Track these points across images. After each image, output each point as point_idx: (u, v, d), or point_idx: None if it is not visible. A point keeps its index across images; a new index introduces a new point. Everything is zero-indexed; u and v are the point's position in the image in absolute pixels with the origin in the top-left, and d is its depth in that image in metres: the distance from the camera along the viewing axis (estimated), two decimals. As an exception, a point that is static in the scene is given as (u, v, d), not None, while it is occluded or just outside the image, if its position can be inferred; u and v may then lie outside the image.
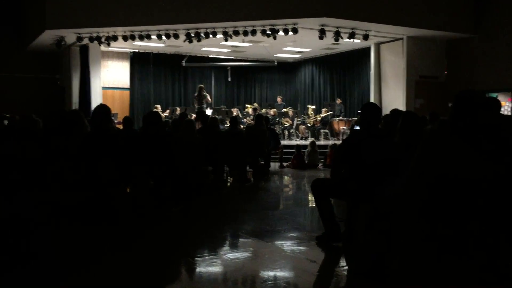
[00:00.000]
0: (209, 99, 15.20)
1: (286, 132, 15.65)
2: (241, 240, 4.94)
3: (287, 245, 4.56)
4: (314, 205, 7.05)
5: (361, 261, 3.95)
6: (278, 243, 4.66)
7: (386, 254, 3.22)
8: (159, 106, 15.79)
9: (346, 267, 4.06)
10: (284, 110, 16.41)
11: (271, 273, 3.82)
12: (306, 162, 11.48)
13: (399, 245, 2.84)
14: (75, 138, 4.38)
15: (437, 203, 2.59)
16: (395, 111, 6.83)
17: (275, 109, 16.20)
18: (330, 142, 13.34)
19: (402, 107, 13.25)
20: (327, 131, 15.84)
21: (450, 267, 2.60)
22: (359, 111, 15.66)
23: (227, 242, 4.92)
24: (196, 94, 15.02)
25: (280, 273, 3.83)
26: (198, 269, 3.94)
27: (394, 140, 4.28)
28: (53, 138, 4.34)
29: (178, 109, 15.62)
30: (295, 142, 14.23)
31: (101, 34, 13.31)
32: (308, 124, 16.09)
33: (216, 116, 10.53)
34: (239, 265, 4.02)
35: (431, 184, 2.58)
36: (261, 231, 5.14)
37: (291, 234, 5.00)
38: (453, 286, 2.69)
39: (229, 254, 4.28)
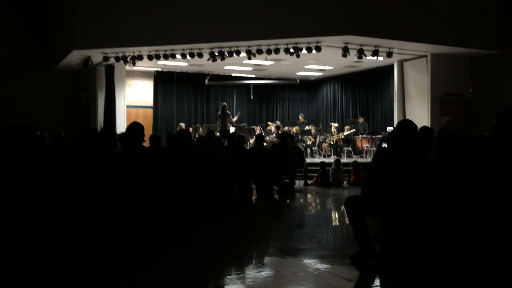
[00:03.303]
0: (232, 118, 15.26)
1: (309, 150, 15.60)
2: (272, 258, 4.91)
3: (321, 264, 4.50)
4: (341, 223, 7.04)
5: (402, 279, 3.87)
6: (312, 261, 4.61)
7: (430, 271, 3.16)
8: (183, 124, 15.92)
9: (383, 286, 4.00)
10: (307, 128, 16.39)
11: (308, 292, 3.77)
12: (330, 179, 11.40)
13: (446, 262, 2.78)
14: (111, 155, 4.45)
15: (486, 217, 2.54)
16: (424, 128, 6.77)
17: (297, 127, 16.19)
18: (353, 160, 13.24)
19: (427, 125, 13.09)
20: (350, 149, 15.76)
21: (500, 283, 2.53)
22: (389, 128, 15.35)
23: (258, 260, 4.87)
24: (219, 112, 15.11)
25: (316, 292, 3.78)
26: (233, 287, 3.91)
27: (429, 157, 4.23)
28: (92, 153, 4.42)
29: (201, 128, 15.73)
30: (318, 159, 14.16)
31: (127, 54, 13.55)
32: (331, 142, 16.04)
33: (243, 134, 10.56)
34: (273, 284, 3.98)
35: (480, 199, 2.54)
36: (292, 250, 5.10)
37: (324, 253, 4.93)
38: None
39: (262, 273, 4.24)
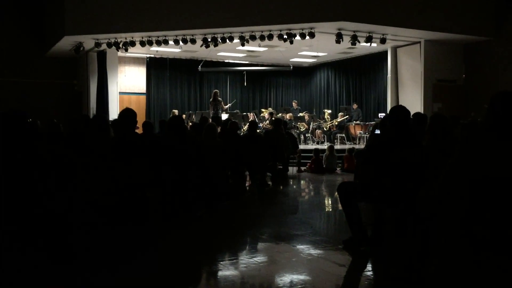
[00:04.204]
0: (224, 105, 15.18)
1: (302, 137, 15.62)
2: (265, 244, 4.93)
3: (314, 249, 4.53)
4: (334, 209, 7.07)
5: (393, 265, 3.90)
6: (305, 247, 4.64)
7: (422, 258, 3.18)
8: (176, 111, 15.86)
9: (375, 271, 4.03)
10: (300, 114, 16.38)
11: (300, 277, 3.80)
12: (324, 166, 11.43)
13: (438, 249, 2.80)
14: (104, 143, 4.42)
15: (477, 205, 2.55)
16: (418, 115, 6.79)
17: (290, 114, 16.18)
18: (347, 146, 13.27)
19: (420, 111, 13.11)
20: (343, 135, 15.79)
21: (490, 272, 2.55)
22: (381, 114, 15.30)
23: (252, 246, 4.89)
24: (211, 99, 15.04)
25: (308, 277, 3.81)
26: (227, 272, 3.93)
27: (422, 143, 4.24)
28: (87, 139, 4.38)
29: (194, 114, 15.67)
30: (311, 146, 14.18)
31: (119, 40, 13.42)
32: (324, 129, 16.06)
33: (237, 120, 10.54)
34: (267, 269, 4.00)
35: (471, 187, 2.55)
36: (286, 235, 5.13)
37: (317, 238, 4.96)
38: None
39: (256, 258, 4.26)
